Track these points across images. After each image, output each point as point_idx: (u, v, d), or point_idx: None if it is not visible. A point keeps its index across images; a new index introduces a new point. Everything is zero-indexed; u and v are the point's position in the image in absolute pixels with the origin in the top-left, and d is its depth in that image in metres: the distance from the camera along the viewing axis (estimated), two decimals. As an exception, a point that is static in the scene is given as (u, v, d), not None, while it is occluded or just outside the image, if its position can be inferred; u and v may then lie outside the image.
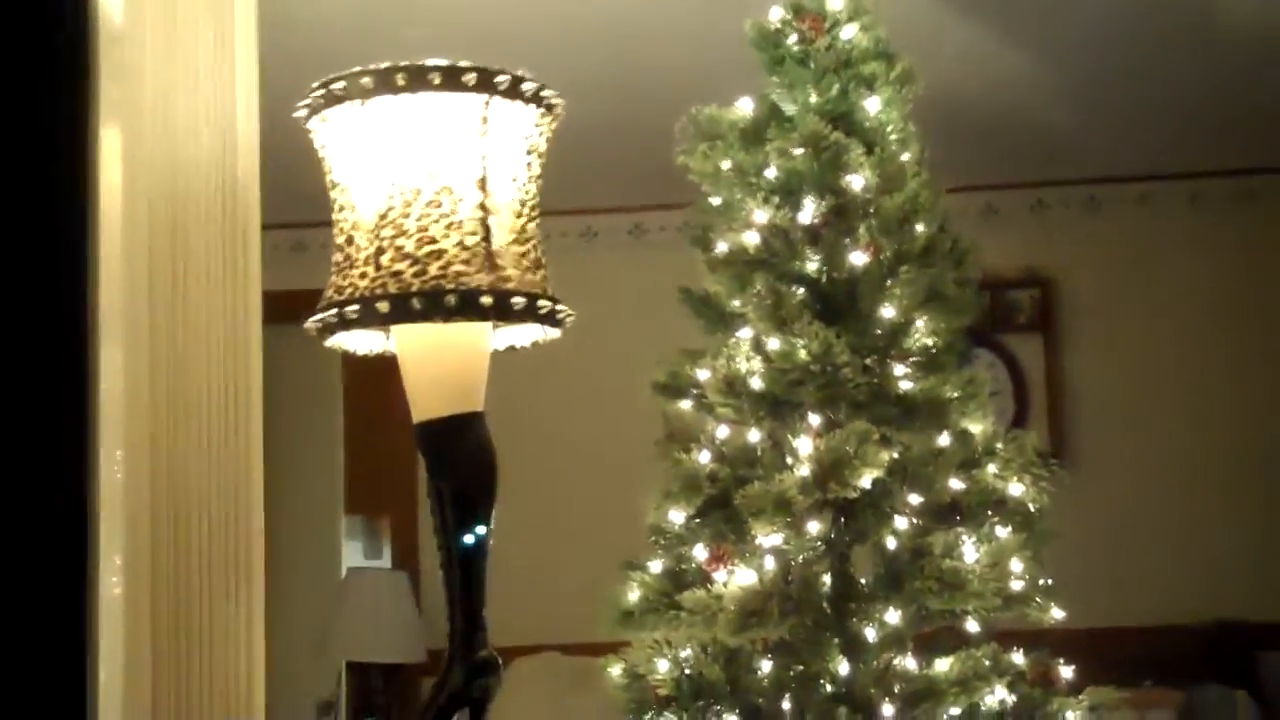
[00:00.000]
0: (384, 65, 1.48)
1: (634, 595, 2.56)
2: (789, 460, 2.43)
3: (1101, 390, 4.95)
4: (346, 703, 4.92)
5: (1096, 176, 5.02)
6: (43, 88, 1.28)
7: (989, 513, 2.45)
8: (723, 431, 2.54)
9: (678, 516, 2.54)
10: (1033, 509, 2.50)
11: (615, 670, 2.56)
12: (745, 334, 2.55)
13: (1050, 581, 2.49)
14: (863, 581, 2.54)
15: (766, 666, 2.47)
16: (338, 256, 1.54)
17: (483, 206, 1.53)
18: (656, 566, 2.58)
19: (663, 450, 2.56)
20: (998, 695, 2.38)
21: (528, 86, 1.54)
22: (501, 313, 1.50)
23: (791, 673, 2.35)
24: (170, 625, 1.51)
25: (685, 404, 2.63)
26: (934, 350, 2.51)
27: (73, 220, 1.30)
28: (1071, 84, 4.15)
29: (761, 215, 2.52)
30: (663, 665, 2.40)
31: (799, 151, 2.51)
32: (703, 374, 2.56)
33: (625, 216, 5.08)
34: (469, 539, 1.55)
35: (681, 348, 2.71)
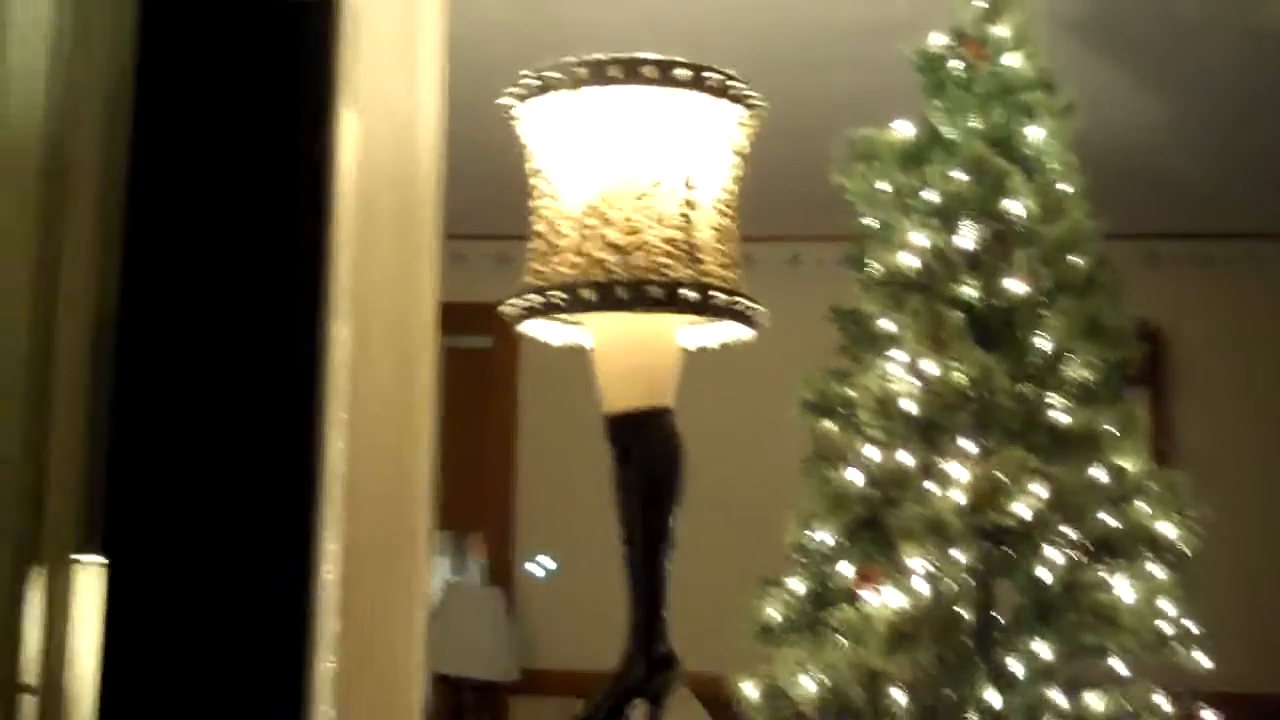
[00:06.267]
0: (597, 56, 1.50)
1: (773, 612, 2.55)
2: (939, 485, 2.42)
3: (1206, 446, 4.87)
4: (434, 717, 4.92)
5: (1212, 232, 4.98)
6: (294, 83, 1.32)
7: (1143, 550, 2.42)
8: (871, 452, 2.52)
9: (823, 535, 2.53)
10: (1185, 550, 2.47)
11: (750, 687, 2.55)
12: (897, 355, 2.54)
13: (1195, 626, 2.46)
14: (993, 613, 2.51)
15: (895, 693, 2.44)
16: (537, 244, 1.56)
17: (687, 202, 1.55)
18: (796, 584, 2.57)
19: (810, 468, 2.55)
20: (1147, 734, 2.34)
21: (735, 86, 1.56)
22: (703, 307, 1.50)
23: (938, 700, 2.32)
24: (348, 611, 1.52)
25: (830, 424, 2.62)
26: (1090, 383, 2.49)
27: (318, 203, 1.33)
28: (1196, 134, 4.12)
29: (919, 238, 2.51)
30: (808, 683, 2.38)
31: (959, 175, 2.51)
32: (852, 394, 2.56)
33: (784, 246, 5.09)
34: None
35: (826, 367, 2.71)
